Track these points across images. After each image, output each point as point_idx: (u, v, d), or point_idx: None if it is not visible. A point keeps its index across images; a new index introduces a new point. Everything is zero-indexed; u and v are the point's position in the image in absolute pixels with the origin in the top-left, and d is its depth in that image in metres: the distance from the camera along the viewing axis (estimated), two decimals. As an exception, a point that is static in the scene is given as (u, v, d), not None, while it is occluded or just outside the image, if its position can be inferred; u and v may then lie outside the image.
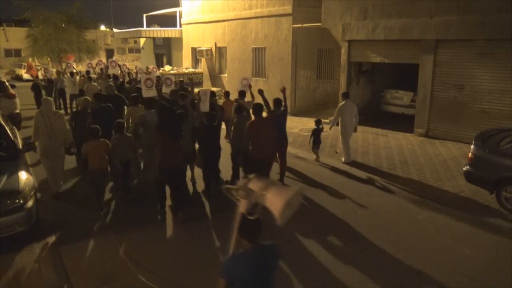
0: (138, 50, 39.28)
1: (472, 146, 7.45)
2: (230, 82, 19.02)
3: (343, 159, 9.67)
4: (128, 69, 16.94)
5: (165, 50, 28.11)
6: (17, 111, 12.94)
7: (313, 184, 8.48)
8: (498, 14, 9.97)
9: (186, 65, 22.46)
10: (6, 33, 39.13)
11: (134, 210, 7.13)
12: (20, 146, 7.11)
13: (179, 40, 24.19)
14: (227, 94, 11.51)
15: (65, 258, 5.50)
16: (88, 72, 15.88)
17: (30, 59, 20.67)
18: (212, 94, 9.15)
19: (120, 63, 15.79)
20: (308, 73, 16.24)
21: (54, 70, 18.09)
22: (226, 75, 19.44)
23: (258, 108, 7.39)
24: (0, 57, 37.87)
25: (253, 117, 7.56)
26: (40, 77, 15.46)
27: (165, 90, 10.89)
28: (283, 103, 8.23)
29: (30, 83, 16.04)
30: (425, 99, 11.73)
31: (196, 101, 8.30)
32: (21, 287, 4.87)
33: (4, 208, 5.53)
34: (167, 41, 27.17)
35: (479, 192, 7.47)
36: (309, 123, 14.20)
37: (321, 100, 16.86)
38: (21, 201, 5.72)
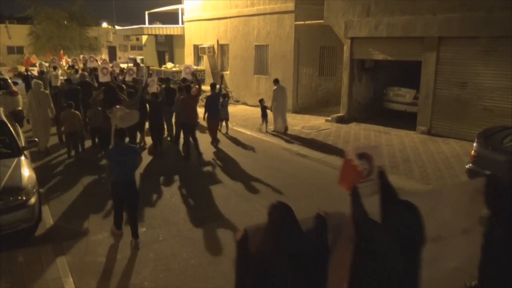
0: (140, 48, 39.32)
1: (474, 144, 7.42)
2: (232, 79, 19.00)
3: (272, 128, 12.53)
4: (106, 63, 19.58)
5: (167, 47, 28.10)
6: (20, 108, 12.98)
7: (318, 189, 8.50)
8: (501, 12, 9.91)
9: (188, 63, 22.44)
10: (9, 31, 39.21)
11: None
12: (23, 143, 7.13)
13: (181, 37, 24.17)
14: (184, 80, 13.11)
15: (67, 255, 5.53)
16: (73, 66, 18.62)
17: (28, 55, 22.62)
18: (167, 80, 12.60)
19: (98, 57, 20.44)
20: (310, 70, 16.21)
21: (46, 64, 19.70)
22: (228, 72, 19.42)
23: (187, 88, 10.26)
24: (2, 54, 37.94)
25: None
26: (35, 73, 16.79)
27: (128, 78, 13.28)
28: (217, 87, 11.17)
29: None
30: (428, 97, 11.69)
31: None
32: (24, 284, 4.88)
33: (7, 205, 5.54)
34: (169, 38, 27.15)
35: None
36: (311, 121, 14.21)
37: (323, 97, 16.83)
38: (24, 198, 5.73)
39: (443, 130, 11.49)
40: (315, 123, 13.87)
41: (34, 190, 6.00)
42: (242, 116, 15.01)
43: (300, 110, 15.92)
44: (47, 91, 10.89)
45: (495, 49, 10.32)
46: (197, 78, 11.45)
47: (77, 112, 9.80)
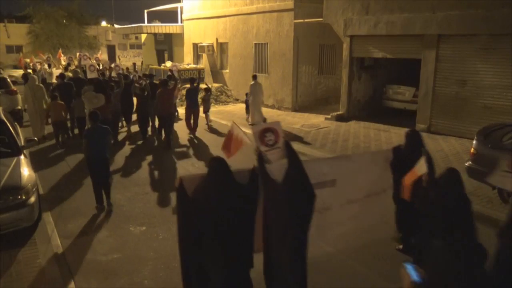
0: (139, 46, 39.23)
1: (474, 142, 7.43)
2: (232, 78, 19.00)
3: (250, 121, 13.32)
4: (99, 61, 21.51)
5: (166, 46, 28.06)
6: (19, 107, 12.97)
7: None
8: (501, 9, 9.91)
9: (187, 61, 22.42)
10: (8, 30, 39.10)
11: (134, 205, 7.18)
12: (22, 143, 7.13)
13: (180, 36, 24.14)
14: (171, 77, 14.00)
15: (68, 254, 5.53)
16: (68, 64, 19.74)
17: (21, 55, 25.02)
18: (151, 76, 14.34)
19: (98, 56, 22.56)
20: (309, 68, 16.20)
21: (38, 62, 21.02)
22: (227, 70, 19.41)
23: (164, 82, 11.34)
24: (1, 54, 37.85)
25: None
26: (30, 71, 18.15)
27: (114, 73, 15.14)
28: (195, 82, 12.30)
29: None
30: (427, 95, 11.69)
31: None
32: (24, 283, 4.88)
33: (6, 204, 5.55)
34: (169, 37, 27.12)
35: (481, 188, 7.46)
36: (311, 119, 14.21)
37: (323, 95, 16.82)
38: (24, 197, 5.74)
39: (443, 128, 11.50)
40: (314, 121, 13.87)
41: (34, 189, 6.00)
42: (241, 115, 14.99)
43: (299, 108, 15.92)
44: (42, 85, 12.00)
45: (494, 47, 10.31)
46: (174, 75, 13.29)
47: (62, 103, 10.89)
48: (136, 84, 13.06)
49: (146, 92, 11.63)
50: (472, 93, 10.87)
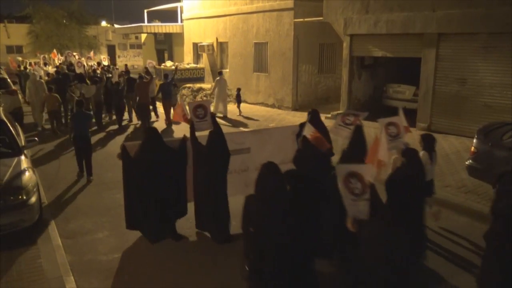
0: (139, 46, 39.20)
1: (474, 140, 7.43)
2: (232, 77, 18.97)
3: (221, 114, 14.31)
4: (91, 60, 22.62)
5: (166, 45, 28.07)
6: (19, 107, 12.97)
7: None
8: (501, 7, 9.90)
9: (187, 61, 22.42)
10: (8, 30, 39.06)
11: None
12: (23, 143, 7.13)
13: (180, 35, 24.13)
14: (147, 73, 15.72)
15: (68, 254, 5.53)
16: (64, 62, 20.95)
17: (10, 57, 26.19)
18: (128, 72, 15.59)
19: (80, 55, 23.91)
20: (309, 67, 16.19)
21: (26, 62, 22.11)
22: (227, 70, 19.39)
23: (140, 77, 13.35)
24: (1, 54, 37.84)
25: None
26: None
27: (98, 69, 17.21)
28: (168, 78, 13.66)
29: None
30: (427, 93, 11.69)
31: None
32: (25, 283, 4.89)
33: (7, 204, 5.54)
34: (169, 36, 27.12)
35: (481, 186, 7.46)
36: (311, 118, 14.17)
37: (323, 94, 16.82)
38: (24, 197, 5.74)
39: (443, 126, 11.49)
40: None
41: (34, 189, 6.00)
42: (236, 111, 14.99)
43: (299, 107, 15.91)
44: (42, 80, 13.62)
45: (494, 45, 10.31)
46: (149, 71, 15.32)
47: (56, 95, 12.19)
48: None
49: (120, 86, 13.30)
50: (472, 91, 10.86)
